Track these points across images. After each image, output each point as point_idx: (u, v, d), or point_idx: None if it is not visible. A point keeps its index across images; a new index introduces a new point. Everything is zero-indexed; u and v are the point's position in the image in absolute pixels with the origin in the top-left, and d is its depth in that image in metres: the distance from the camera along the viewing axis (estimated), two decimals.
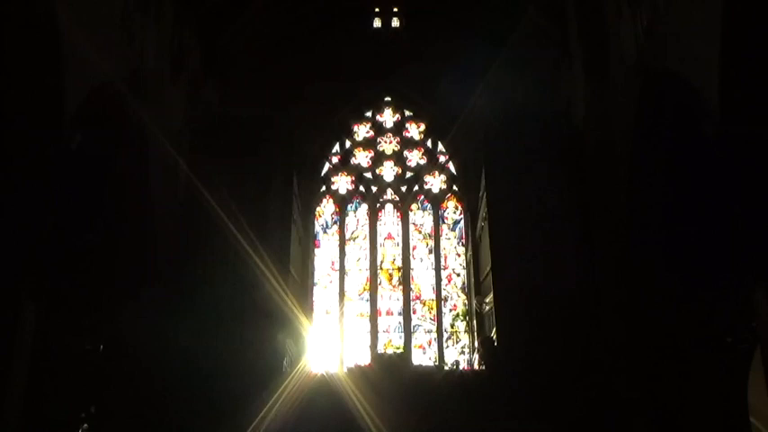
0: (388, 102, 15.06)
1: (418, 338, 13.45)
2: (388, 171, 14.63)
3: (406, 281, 13.78)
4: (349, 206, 14.44)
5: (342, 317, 13.52)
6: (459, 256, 14.01)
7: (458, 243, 14.11)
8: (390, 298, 13.74)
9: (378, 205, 14.38)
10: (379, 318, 13.53)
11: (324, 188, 14.48)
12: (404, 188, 14.46)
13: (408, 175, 14.58)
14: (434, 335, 13.47)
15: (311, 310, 13.27)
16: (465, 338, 13.37)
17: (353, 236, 14.22)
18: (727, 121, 6.86)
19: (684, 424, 9.18)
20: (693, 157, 8.12)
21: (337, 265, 13.95)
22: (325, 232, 14.26)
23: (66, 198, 7.79)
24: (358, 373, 10.96)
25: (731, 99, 6.83)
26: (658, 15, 8.61)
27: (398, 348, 13.09)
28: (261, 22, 13.88)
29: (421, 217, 14.34)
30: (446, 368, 12.65)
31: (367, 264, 13.93)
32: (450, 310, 13.66)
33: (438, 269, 13.91)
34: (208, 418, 9.79)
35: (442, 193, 14.45)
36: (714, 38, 6.80)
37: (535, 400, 10.06)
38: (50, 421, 9.41)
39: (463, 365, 12.77)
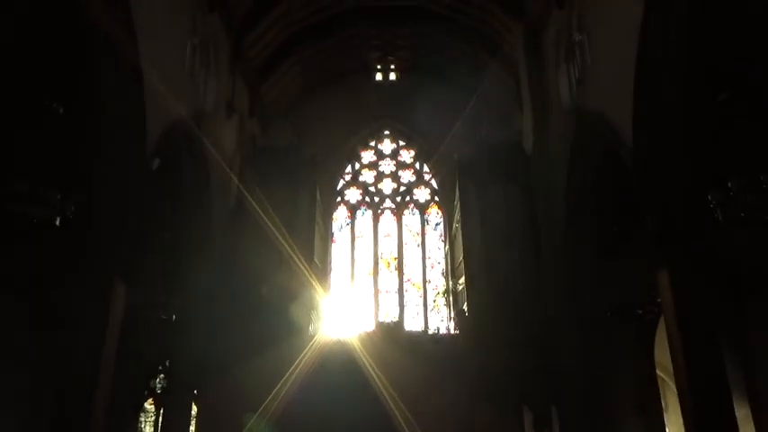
0: (387, 134, 15.07)
1: (409, 310, 13.44)
2: (387, 186, 14.63)
3: (400, 268, 13.77)
4: (358, 212, 14.43)
5: (352, 294, 13.51)
6: (439, 249, 14.01)
7: (438, 239, 14.12)
8: (388, 280, 13.74)
9: (379, 211, 14.38)
10: (380, 295, 13.53)
11: (339, 198, 14.47)
12: (398, 199, 14.47)
13: (402, 189, 14.59)
14: (421, 308, 13.46)
15: (329, 289, 13.26)
16: (444, 311, 13.37)
17: (361, 234, 14.22)
18: (638, 149, 6.92)
19: (606, 376, 9.21)
20: (614, 175, 8.14)
21: (349, 256, 13.95)
22: (340, 231, 14.26)
23: (148, 205, 7.81)
24: (365, 337, 10.99)
25: (641, 133, 6.89)
26: (586, 69, 8.68)
27: (395, 318, 13.07)
28: (294, 74, 14.00)
29: (411, 220, 14.34)
30: (430, 332, 12.68)
31: (371, 255, 13.94)
32: (433, 290, 13.64)
33: (424, 259, 13.89)
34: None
35: (427, 202, 14.45)
36: (628, 86, 6.88)
37: (494, 356, 10.12)
38: (136, 372, 9.45)
39: (443, 331, 12.76)
